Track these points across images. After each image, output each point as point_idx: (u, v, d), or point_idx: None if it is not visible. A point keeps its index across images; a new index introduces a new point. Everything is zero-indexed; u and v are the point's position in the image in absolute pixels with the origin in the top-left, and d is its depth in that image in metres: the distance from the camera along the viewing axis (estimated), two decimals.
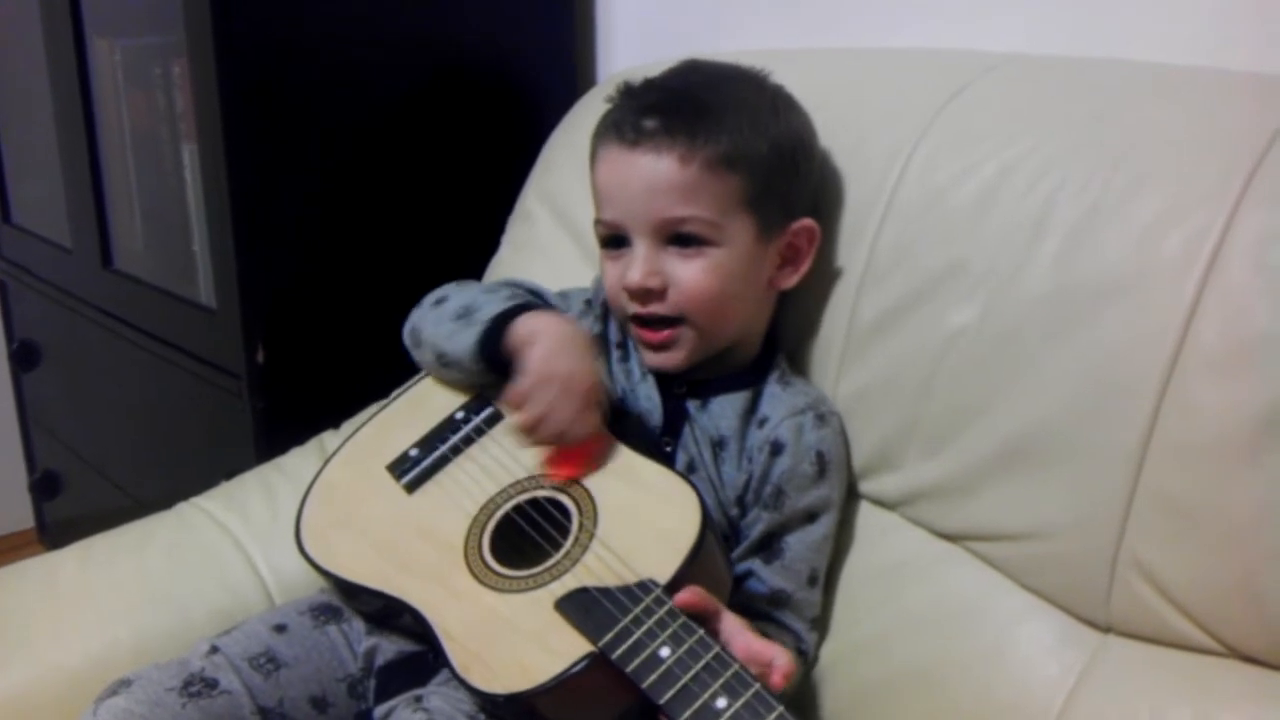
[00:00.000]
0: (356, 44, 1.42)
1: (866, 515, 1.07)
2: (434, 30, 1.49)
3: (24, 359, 2.11)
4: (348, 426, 1.33)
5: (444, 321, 1.07)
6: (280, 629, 1.00)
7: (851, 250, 1.06)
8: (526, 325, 1.01)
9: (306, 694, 0.97)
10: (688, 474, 1.01)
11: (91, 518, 1.73)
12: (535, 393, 0.96)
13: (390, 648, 1.00)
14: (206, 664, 0.95)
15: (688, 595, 0.84)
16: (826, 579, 1.04)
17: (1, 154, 2.08)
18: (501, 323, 1.02)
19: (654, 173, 0.99)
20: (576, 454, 0.97)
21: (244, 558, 1.20)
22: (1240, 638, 0.84)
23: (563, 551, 0.92)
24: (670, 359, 1.03)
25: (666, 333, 1.02)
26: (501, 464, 1.01)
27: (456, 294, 1.10)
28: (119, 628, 1.11)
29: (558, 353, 0.98)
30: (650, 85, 1.05)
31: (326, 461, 1.11)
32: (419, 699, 0.95)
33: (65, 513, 2.20)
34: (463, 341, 1.04)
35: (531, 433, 0.97)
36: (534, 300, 1.09)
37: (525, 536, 0.95)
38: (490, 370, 1.03)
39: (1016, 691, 0.92)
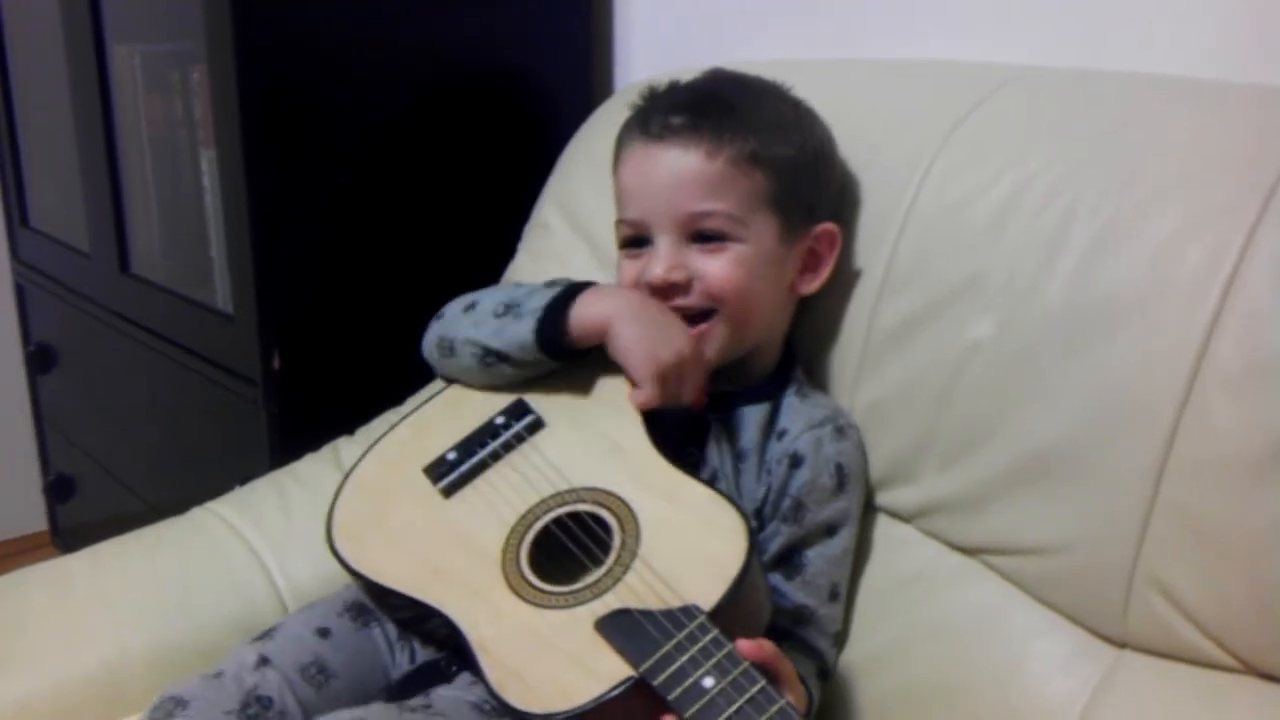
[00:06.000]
0: (375, 52, 1.43)
1: (883, 527, 1.07)
2: (452, 39, 1.49)
3: (40, 362, 2.13)
4: (362, 433, 1.33)
5: (485, 321, 1.04)
6: (324, 633, 0.99)
7: (870, 261, 1.06)
8: (592, 307, 1.00)
9: (352, 705, 0.95)
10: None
11: (105, 522, 1.74)
12: (663, 387, 0.96)
13: (404, 659, 1.00)
14: (260, 680, 0.93)
15: (752, 649, 0.80)
16: None
17: (20, 158, 2.09)
18: (557, 309, 1.00)
19: (679, 167, 0.99)
20: None
21: (257, 563, 1.20)
22: (1257, 654, 0.84)
23: (604, 569, 0.88)
24: None
25: (696, 329, 1.00)
26: (542, 473, 0.98)
27: (487, 296, 1.07)
28: (131, 633, 1.10)
29: (651, 336, 0.97)
30: (677, 86, 1.06)
31: (360, 459, 1.08)
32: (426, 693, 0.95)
33: (79, 516, 2.21)
34: (515, 334, 1.01)
35: None
36: (578, 282, 1.05)
37: (564, 551, 0.92)
38: (550, 358, 1.01)
39: (1032, 706, 0.92)
